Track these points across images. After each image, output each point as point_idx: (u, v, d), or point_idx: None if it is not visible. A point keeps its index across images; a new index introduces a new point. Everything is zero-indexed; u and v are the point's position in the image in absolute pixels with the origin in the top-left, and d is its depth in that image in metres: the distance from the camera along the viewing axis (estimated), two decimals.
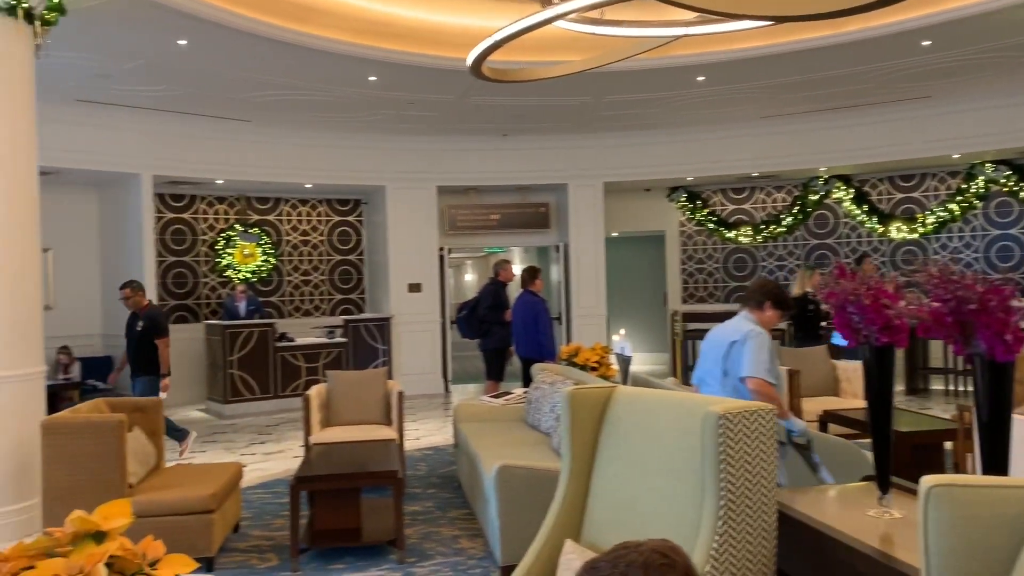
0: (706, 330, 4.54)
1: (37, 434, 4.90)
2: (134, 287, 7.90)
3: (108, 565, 1.87)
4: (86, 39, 6.94)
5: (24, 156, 5.62)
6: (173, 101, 9.21)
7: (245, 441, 8.63)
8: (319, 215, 12.65)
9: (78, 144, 9.21)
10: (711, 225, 12.97)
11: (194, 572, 2.03)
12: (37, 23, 5.62)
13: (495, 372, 8.80)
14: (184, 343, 11.18)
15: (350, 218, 12.83)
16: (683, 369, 11.41)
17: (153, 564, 1.95)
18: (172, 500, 4.55)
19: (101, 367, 10.57)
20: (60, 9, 5.73)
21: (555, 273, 12.69)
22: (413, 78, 8.64)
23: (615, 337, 5.65)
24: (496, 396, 7.10)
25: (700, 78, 8.97)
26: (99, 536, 1.95)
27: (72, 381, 10.10)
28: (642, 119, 10.95)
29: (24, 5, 5.39)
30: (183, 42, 7.20)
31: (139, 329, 7.71)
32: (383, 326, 11.42)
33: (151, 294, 10.22)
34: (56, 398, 8.97)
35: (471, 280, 24.19)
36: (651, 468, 2.83)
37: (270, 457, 7.76)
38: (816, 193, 12.28)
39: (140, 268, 10.20)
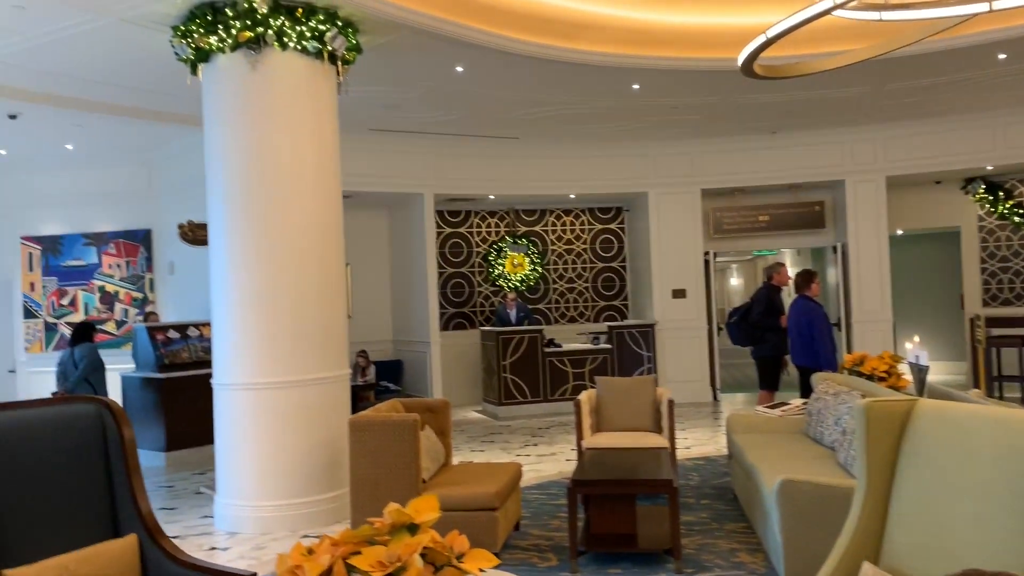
0: (1016, 336, 4.03)
1: (345, 430, 5.47)
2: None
3: (421, 556, 2.04)
4: (377, 74, 7.65)
5: (331, 183, 6.31)
6: (450, 124, 9.89)
7: (519, 442, 9.01)
8: (582, 224, 12.93)
9: (372, 169, 10.18)
10: (1017, 219, 11.51)
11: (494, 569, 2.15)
12: (339, 63, 6.29)
13: (769, 381, 8.44)
14: (461, 348, 11.96)
15: (612, 225, 12.97)
16: (987, 379, 10.21)
17: (459, 557, 2.10)
18: (461, 496, 4.85)
19: (392, 370, 11.58)
20: (358, 49, 6.38)
21: (832, 276, 11.92)
22: (677, 83, 8.58)
23: (907, 344, 5.19)
24: (771, 407, 6.81)
25: (1001, 56, 8.01)
26: (412, 528, 2.13)
27: (369, 383, 11.14)
28: (930, 105, 9.99)
29: (328, 48, 6.06)
30: (460, 68, 7.71)
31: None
32: (647, 332, 11.40)
33: (431, 304, 11.05)
34: (355, 398, 9.94)
35: (737, 285, 23.45)
36: (964, 492, 2.56)
37: (543, 459, 8.04)
38: None
39: (424, 280, 11.07)
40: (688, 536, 5.25)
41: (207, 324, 8.34)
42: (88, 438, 3.31)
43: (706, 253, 11.86)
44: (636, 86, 8.62)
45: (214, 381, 6.15)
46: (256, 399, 5.93)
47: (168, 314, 10.40)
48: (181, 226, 9.71)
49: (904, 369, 6.21)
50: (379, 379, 11.31)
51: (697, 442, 8.61)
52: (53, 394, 8.51)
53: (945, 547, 2.58)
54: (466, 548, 2.13)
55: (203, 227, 8.22)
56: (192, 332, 9.10)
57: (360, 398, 10.51)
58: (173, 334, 8.99)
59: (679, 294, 11.69)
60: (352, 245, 10.12)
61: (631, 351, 11.27)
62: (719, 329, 11.95)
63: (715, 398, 11.71)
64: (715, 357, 11.86)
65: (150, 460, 8.55)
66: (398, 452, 5.05)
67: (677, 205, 11.64)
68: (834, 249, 11.81)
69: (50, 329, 10.53)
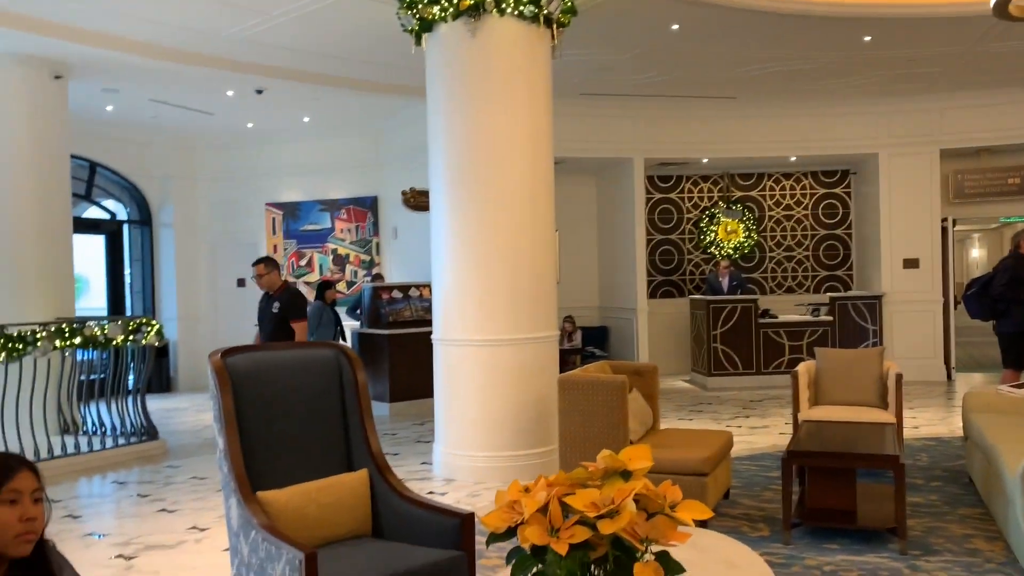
0: None
1: (554, 389, 5.60)
2: (268, 264, 7.04)
3: (635, 501, 2.05)
4: (591, 36, 7.64)
5: (543, 149, 6.42)
6: (663, 86, 9.69)
7: (730, 414, 8.78)
8: (803, 188, 12.26)
9: (581, 134, 10.22)
10: None
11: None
12: (554, 26, 6.34)
13: (1014, 359, 7.65)
14: (669, 316, 11.81)
15: (837, 190, 12.20)
16: None
17: (672, 507, 2.09)
18: (670, 460, 4.81)
19: (598, 336, 11.66)
20: (573, 11, 6.40)
21: None
22: (914, 32, 7.87)
23: None
24: (1017, 387, 6.15)
25: None
26: (625, 475, 2.15)
27: (575, 348, 11.30)
28: None
29: (544, 12, 6.12)
30: (675, 27, 7.52)
31: (275, 311, 6.92)
32: (873, 305, 10.66)
33: (639, 271, 10.96)
34: (562, 362, 10.10)
35: (978, 256, 21.37)
36: None
37: (755, 431, 7.79)
38: None
39: (632, 247, 11.02)
40: (915, 518, 4.89)
41: (427, 285, 8.80)
42: (327, 380, 3.62)
43: (944, 220, 10.86)
44: (867, 38, 8.00)
45: (434, 337, 6.50)
46: (472, 355, 6.20)
47: (391, 276, 11.10)
48: (404, 193, 10.29)
49: None
50: (585, 345, 11.43)
51: (927, 422, 7.98)
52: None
53: None
54: (679, 498, 2.12)
55: (424, 194, 8.68)
56: (413, 293, 9.64)
57: (566, 362, 10.68)
58: (396, 294, 9.58)
59: (911, 264, 10.81)
60: (560, 211, 10.22)
61: (855, 324, 10.60)
62: (956, 303, 10.95)
63: (949, 377, 10.77)
64: (951, 333, 10.89)
65: (376, 410, 9.16)
66: (606, 412, 5.09)
67: (911, 167, 10.73)
68: None
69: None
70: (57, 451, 6.84)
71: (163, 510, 5.66)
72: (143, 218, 12.22)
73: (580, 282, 12.05)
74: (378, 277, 10.73)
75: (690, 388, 10.78)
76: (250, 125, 10.93)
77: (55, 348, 6.81)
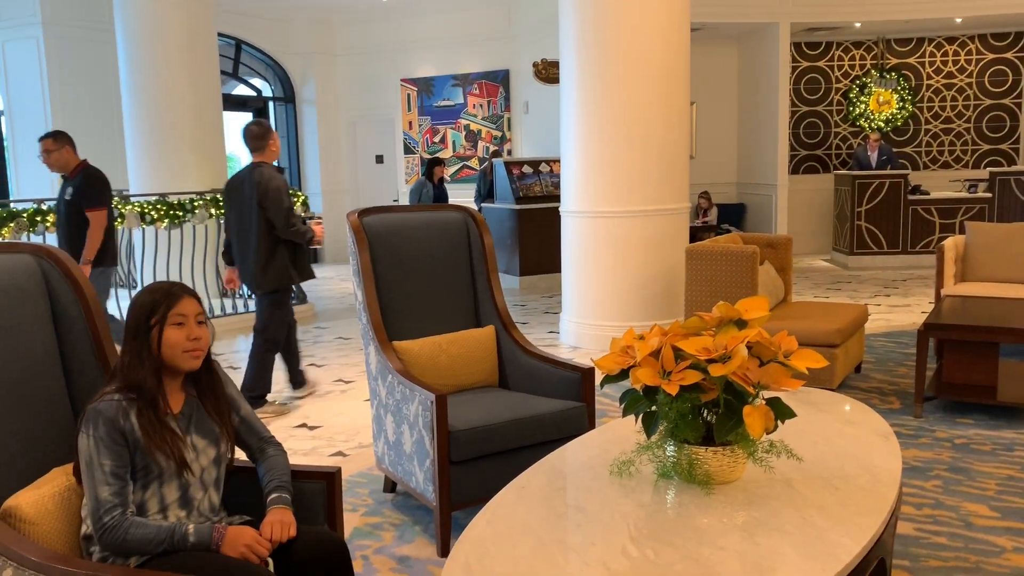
0: None
1: (682, 260, 5.58)
2: (59, 139, 5.32)
3: (748, 348, 2.08)
4: None
5: (679, 14, 6.15)
6: None
7: (869, 292, 8.48)
8: (968, 54, 11.22)
9: None
10: None
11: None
12: None
13: None
14: (812, 193, 11.33)
15: (1008, 55, 11.09)
16: None
17: (787, 355, 2.11)
18: (799, 330, 4.69)
19: (735, 213, 11.38)
20: None
21: None
22: None
23: None
24: None
25: None
26: (740, 324, 2.18)
27: (709, 224, 11.09)
28: None
29: None
30: None
31: (67, 199, 5.33)
32: None
33: (780, 145, 10.49)
34: (695, 239, 9.98)
35: None
36: None
37: (895, 309, 7.52)
38: None
39: (775, 119, 10.53)
40: None
41: (557, 161, 8.80)
42: (456, 241, 3.77)
43: None
44: None
45: (562, 208, 6.55)
46: (600, 226, 6.24)
47: (523, 151, 11.13)
48: (536, 64, 10.17)
49: None
50: (720, 222, 11.19)
51: None
52: None
53: None
54: (794, 348, 2.14)
55: (555, 65, 8.57)
56: (543, 168, 9.66)
57: (700, 239, 10.53)
58: (527, 169, 9.63)
59: None
60: (698, 82, 9.88)
61: (1017, 202, 9.81)
62: None
63: None
64: None
65: (505, 283, 9.48)
66: (734, 283, 5.05)
67: None
68: None
69: (423, 164, 11.80)
70: (217, 311, 7.48)
71: (312, 364, 6.14)
72: (287, 95, 12.68)
73: (717, 157, 11.69)
74: (496, 154, 10.79)
75: (830, 267, 10.43)
76: (384, 0, 10.97)
77: (211, 216, 7.34)
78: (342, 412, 4.95)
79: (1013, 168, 10.37)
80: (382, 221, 3.62)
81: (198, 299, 2.10)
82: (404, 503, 3.51)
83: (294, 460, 4.07)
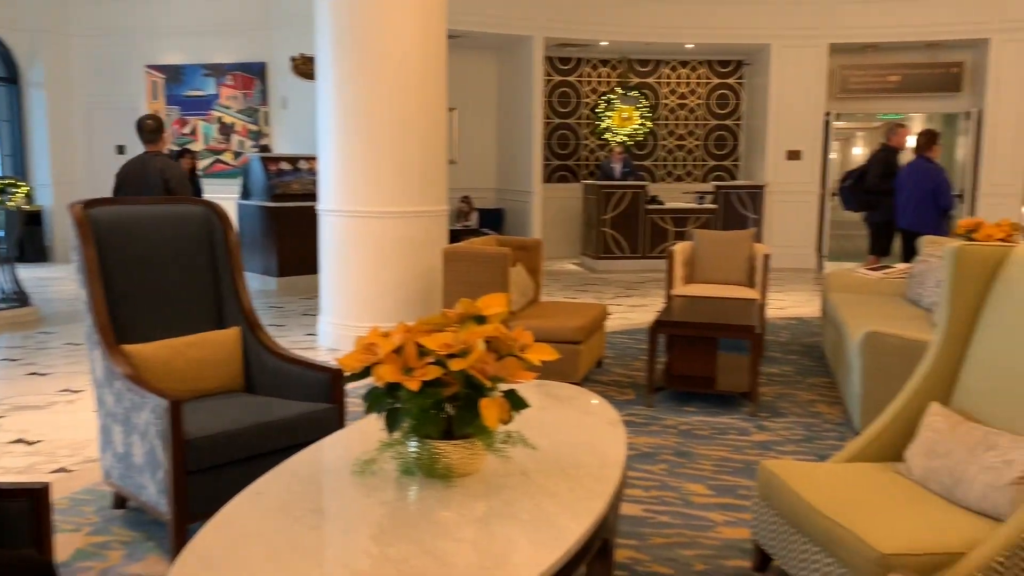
0: None
1: (440, 261, 5.67)
2: None
3: (486, 343, 2.15)
4: None
5: (435, 20, 6.24)
6: None
7: (612, 294, 9.10)
8: (698, 77, 12.39)
9: (479, 7, 9.93)
10: None
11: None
12: None
13: (880, 247, 8.16)
14: (563, 200, 11.95)
15: (730, 80, 12.39)
16: None
17: (523, 349, 2.20)
18: (545, 328, 4.98)
19: (495, 218, 11.73)
20: None
21: (962, 145, 11.15)
22: None
23: None
24: (873, 269, 6.61)
25: None
26: (480, 320, 2.24)
27: (470, 228, 11.34)
28: None
29: None
30: None
31: None
32: (756, 194, 11.07)
33: (535, 154, 10.97)
34: (456, 241, 10.18)
35: (860, 154, 22.27)
36: None
37: (634, 309, 8.13)
38: None
39: (530, 129, 10.98)
40: (768, 385, 5.29)
41: (316, 158, 8.59)
42: (197, 237, 3.56)
43: (827, 114, 11.23)
44: None
45: (319, 207, 6.41)
46: (359, 226, 6.17)
47: (281, 147, 10.75)
48: (294, 59, 9.87)
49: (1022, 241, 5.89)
50: (482, 225, 11.49)
51: (794, 304, 8.50)
52: None
53: (1020, 394, 2.53)
54: (530, 342, 2.24)
55: (314, 60, 8.35)
56: (303, 165, 9.40)
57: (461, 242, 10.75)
58: (285, 166, 9.33)
59: (794, 156, 11.21)
60: (459, 89, 10.09)
61: (737, 213, 11.00)
62: (833, 195, 11.49)
63: (820, 266, 11.41)
64: (824, 223, 11.47)
65: (263, 284, 9.11)
66: (488, 283, 5.19)
67: (801, 60, 10.96)
68: (967, 116, 10.98)
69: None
70: None
71: (34, 373, 5.54)
72: (10, 75, 11.34)
73: (478, 163, 11.99)
74: (265, 149, 10.40)
75: (579, 270, 11.07)
76: None
77: None
78: (67, 424, 4.49)
79: (734, 183, 11.61)
80: (111, 214, 3.34)
81: None
82: (136, 519, 3.26)
83: (5, 478, 3.66)
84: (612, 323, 6.83)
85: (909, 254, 7.16)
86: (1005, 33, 10.30)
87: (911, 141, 8.70)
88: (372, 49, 6.00)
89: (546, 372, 2.75)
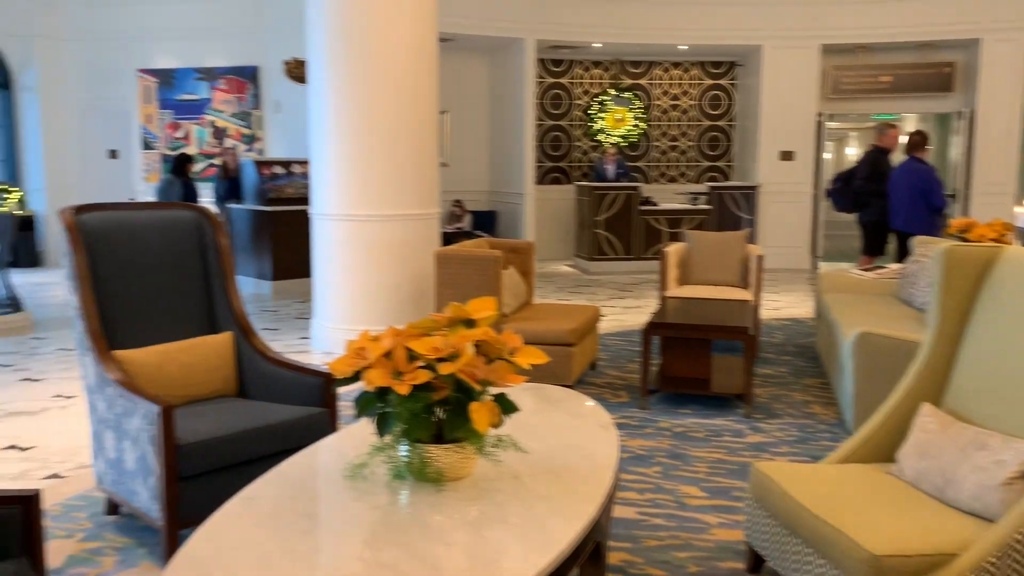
0: None
1: (432, 263, 5.66)
2: None
3: (476, 347, 2.15)
4: None
5: (427, 21, 6.24)
6: None
7: (606, 295, 9.11)
8: (691, 78, 12.41)
9: (470, 10, 9.94)
10: None
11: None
12: None
13: (872, 247, 8.16)
14: (556, 202, 11.96)
15: (723, 81, 12.41)
16: None
17: (512, 352, 2.20)
18: (538, 331, 4.99)
19: (487, 220, 11.73)
20: None
21: (955, 145, 11.18)
22: None
23: (1017, 208, 4.91)
24: (867, 269, 6.62)
25: None
26: (469, 323, 2.24)
27: (463, 230, 11.33)
28: None
29: None
30: None
31: None
32: (749, 195, 11.10)
33: (527, 156, 10.97)
34: (449, 244, 10.18)
35: (853, 155, 22.32)
36: None
37: (628, 311, 8.13)
38: None
39: (522, 131, 10.99)
40: (762, 387, 5.30)
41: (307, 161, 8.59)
42: (188, 242, 3.55)
43: (819, 114, 11.26)
44: None
45: (312, 211, 6.40)
46: (352, 229, 6.16)
47: (274, 151, 10.75)
48: (287, 63, 9.86)
49: (1014, 240, 5.90)
50: (475, 228, 11.49)
51: (788, 304, 8.51)
52: None
53: (1010, 394, 2.54)
54: (520, 345, 2.23)
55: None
56: (296, 169, 9.38)
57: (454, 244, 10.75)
58: (278, 170, 9.31)
59: (786, 156, 11.24)
60: (451, 92, 10.09)
61: (730, 213, 11.02)
62: (826, 195, 11.52)
63: (814, 266, 11.43)
64: (818, 224, 11.50)
65: (257, 288, 9.10)
66: (480, 285, 5.20)
67: (793, 61, 10.99)
68: (959, 115, 11.02)
69: (166, 160, 11.02)
70: None
71: (27, 379, 5.52)
72: (2, 80, 11.31)
73: (471, 166, 11.98)
74: (229, 151, 10.37)
75: (572, 272, 11.07)
76: None
77: None
78: (60, 431, 4.48)
79: (727, 183, 11.63)
80: (102, 220, 3.33)
81: None
82: (128, 525, 3.25)
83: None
84: (606, 325, 6.83)
85: (903, 255, 7.18)
86: (996, 33, 10.34)
87: (903, 141, 8.72)
88: (363, 52, 6.00)
89: (540, 375, 2.75)
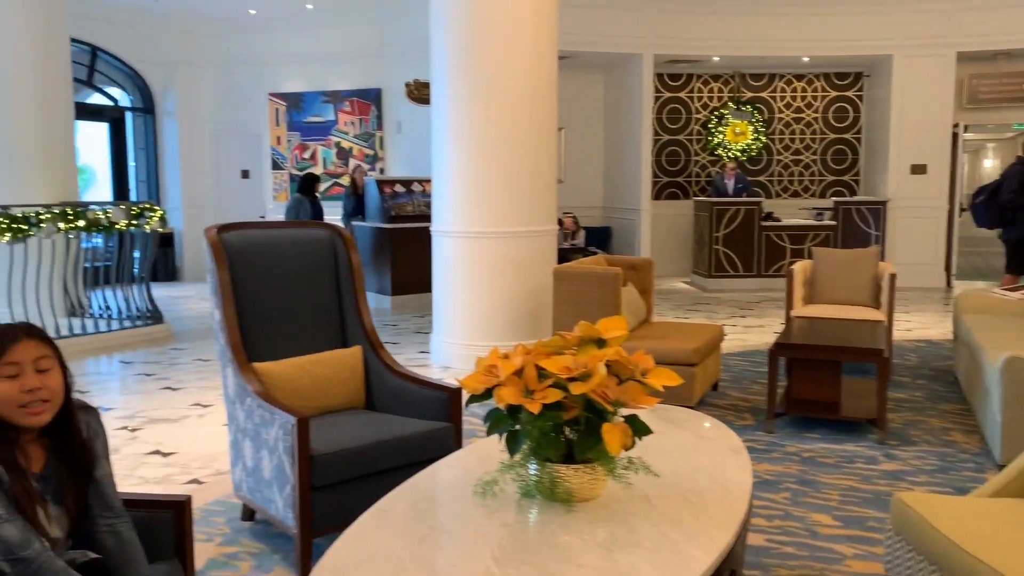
0: None
1: (549, 280, 5.67)
2: None
3: (607, 366, 2.13)
4: None
5: (547, 41, 6.29)
6: None
7: (726, 314, 8.89)
8: (815, 91, 12.02)
9: (588, 28, 9.97)
10: None
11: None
12: None
13: (1017, 265, 7.68)
14: (673, 218, 11.80)
15: (849, 93, 11.96)
16: None
17: (643, 373, 2.17)
18: (659, 349, 4.88)
19: (601, 236, 11.69)
20: None
21: None
22: None
23: None
24: (1011, 289, 6.21)
25: None
26: (600, 343, 2.22)
27: (577, 246, 11.33)
28: None
29: None
30: None
31: None
32: (878, 210, 10.62)
33: (644, 171, 10.87)
34: (563, 260, 10.18)
35: (991, 167, 21.07)
36: None
37: (750, 330, 7.91)
38: None
39: (639, 146, 10.91)
40: (896, 411, 5.04)
41: (429, 180, 8.79)
42: (322, 259, 3.69)
43: (955, 125, 10.68)
44: None
45: (433, 228, 6.54)
46: (470, 247, 6.26)
47: (396, 170, 11.07)
48: (408, 84, 10.15)
49: None
50: (588, 244, 11.46)
51: (921, 325, 8.08)
52: None
53: None
54: (651, 366, 2.20)
55: (427, 86, 8.56)
56: (416, 187, 9.62)
57: (568, 261, 10.74)
58: (399, 188, 9.57)
59: (918, 170, 10.70)
60: (566, 109, 10.12)
61: (858, 229, 10.58)
62: (961, 211, 10.91)
63: (948, 284, 10.82)
64: (953, 240, 10.89)
65: (378, 303, 9.35)
66: (599, 303, 5.17)
67: (926, 70, 10.48)
68: None
69: (294, 180, 11.53)
70: (64, 332, 7.01)
71: (167, 388, 5.85)
72: (146, 106, 12.12)
73: (585, 182, 11.99)
74: (358, 169, 10.74)
75: (690, 289, 10.87)
76: (252, 12, 10.69)
77: (59, 231, 6.89)
78: (199, 438, 4.72)
79: (854, 198, 11.18)
80: (243, 238, 3.50)
81: (43, 338, 1.83)
82: (263, 531, 3.38)
83: (145, 488, 3.87)
84: (727, 344, 6.66)
85: None
86: None
87: None
88: (485, 72, 6.10)
89: (661, 395, 2.70)
